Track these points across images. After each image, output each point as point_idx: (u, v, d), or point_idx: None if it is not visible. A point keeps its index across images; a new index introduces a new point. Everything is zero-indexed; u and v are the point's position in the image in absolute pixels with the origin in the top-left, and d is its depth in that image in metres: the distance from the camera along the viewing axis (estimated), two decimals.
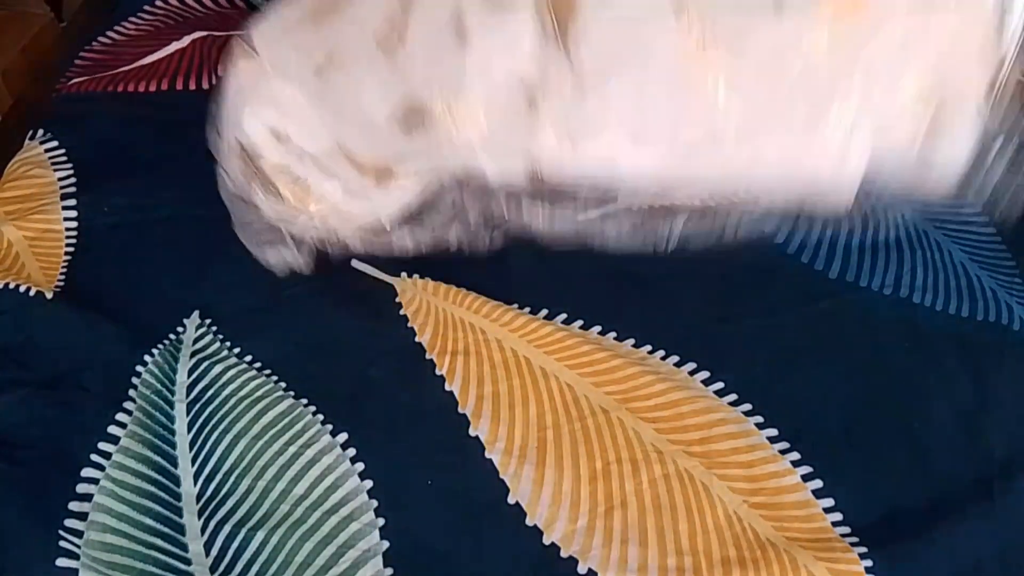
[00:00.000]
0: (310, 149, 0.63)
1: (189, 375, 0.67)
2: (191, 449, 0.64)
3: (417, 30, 0.61)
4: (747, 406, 0.66)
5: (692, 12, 0.58)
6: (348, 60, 0.61)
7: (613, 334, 0.70)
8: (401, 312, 0.70)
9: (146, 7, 0.96)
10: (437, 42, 0.60)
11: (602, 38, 0.59)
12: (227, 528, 0.60)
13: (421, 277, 0.72)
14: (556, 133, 0.61)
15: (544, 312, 0.71)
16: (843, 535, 0.60)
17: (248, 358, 0.67)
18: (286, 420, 0.64)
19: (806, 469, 0.63)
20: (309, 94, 0.62)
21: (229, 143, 0.63)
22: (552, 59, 0.59)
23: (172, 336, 0.69)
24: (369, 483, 0.62)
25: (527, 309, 0.70)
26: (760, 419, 0.66)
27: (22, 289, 0.69)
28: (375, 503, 0.61)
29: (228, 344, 0.68)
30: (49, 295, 0.69)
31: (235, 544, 0.59)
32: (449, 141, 0.61)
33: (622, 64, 0.59)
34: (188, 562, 0.59)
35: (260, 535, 0.59)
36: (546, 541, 0.60)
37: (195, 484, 0.62)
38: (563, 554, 0.60)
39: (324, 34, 0.62)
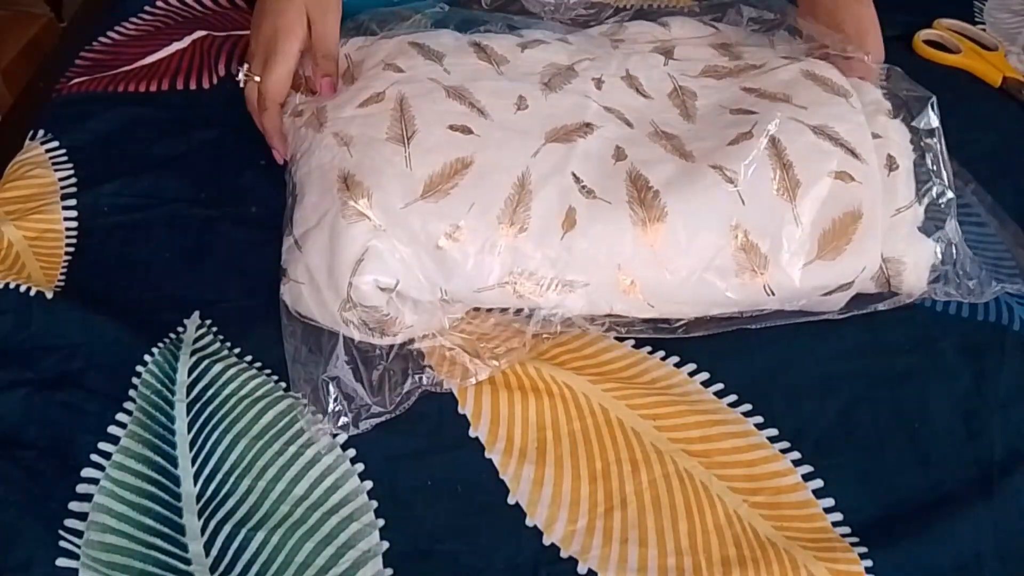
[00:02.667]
0: (416, 296, 0.66)
1: (189, 375, 0.67)
2: (191, 449, 0.64)
3: (536, 219, 0.66)
4: (747, 406, 0.66)
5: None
6: (469, 235, 0.66)
7: (613, 335, 0.70)
8: None
9: (146, 7, 0.96)
10: (549, 226, 0.66)
11: None
12: (227, 528, 0.60)
13: None
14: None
15: None
16: (843, 535, 0.60)
17: (248, 358, 0.67)
18: (286, 420, 0.64)
19: (806, 469, 0.63)
20: (428, 258, 0.66)
21: (334, 290, 0.65)
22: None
23: (172, 336, 0.69)
24: (369, 484, 0.62)
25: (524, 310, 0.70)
26: (760, 419, 0.66)
27: (22, 289, 0.69)
28: (375, 504, 0.61)
29: (228, 344, 0.68)
30: (49, 295, 0.69)
31: (235, 544, 0.59)
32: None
33: None
34: (188, 562, 0.59)
35: (260, 535, 0.59)
36: (546, 541, 0.60)
37: (195, 484, 0.62)
38: (563, 554, 0.60)
39: (445, 210, 0.65)
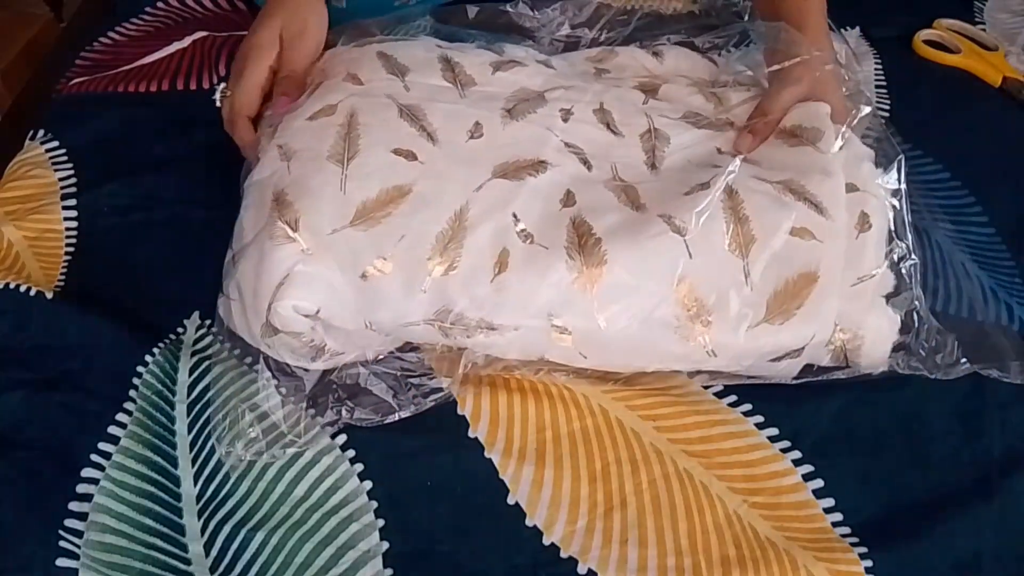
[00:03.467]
0: (339, 325, 0.64)
1: (190, 375, 0.67)
2: (191, 450, 0.64)
3: (467, 257, 0.63)
4: (747, 406, 0.66)
5: None
6: (396, 268, 0.63)
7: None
8: None
9: (147, 8, 0.96)
10: (481, 266, 0.63)
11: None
12: (227, 529, 0.60)
13: None
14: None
15: None
16: (843, 535, 0.60)
17: (248, 359, 0.67)
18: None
19: (806, 469, 0.63)
20: (352, 287, 0.63)
21: (256, 312, 0.63)
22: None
23: (172, 336, 0.69)
24: (369, 484, 0.62)
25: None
26: (760, 419, 0.66)
27: (22, 289, 0.69)
28: (375, 504, 0.61)
29: (228, 344, 0.68)
30: (49, 295, 0.69)
31: (235, 545, 0.59)
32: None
33: None
34: (188, 562, 0.59)
35: (260, 536, 0.59)
36: (546, 541, 0.60)
37: (195, 485, 0.62)
38: (563, 554, 0.60)
39: (375, 239, 0.63)
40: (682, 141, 0.73)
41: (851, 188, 0.68)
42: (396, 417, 0.64)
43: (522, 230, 0.64)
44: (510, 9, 0.84)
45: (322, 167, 0.65)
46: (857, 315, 0.66)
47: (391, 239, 0.63)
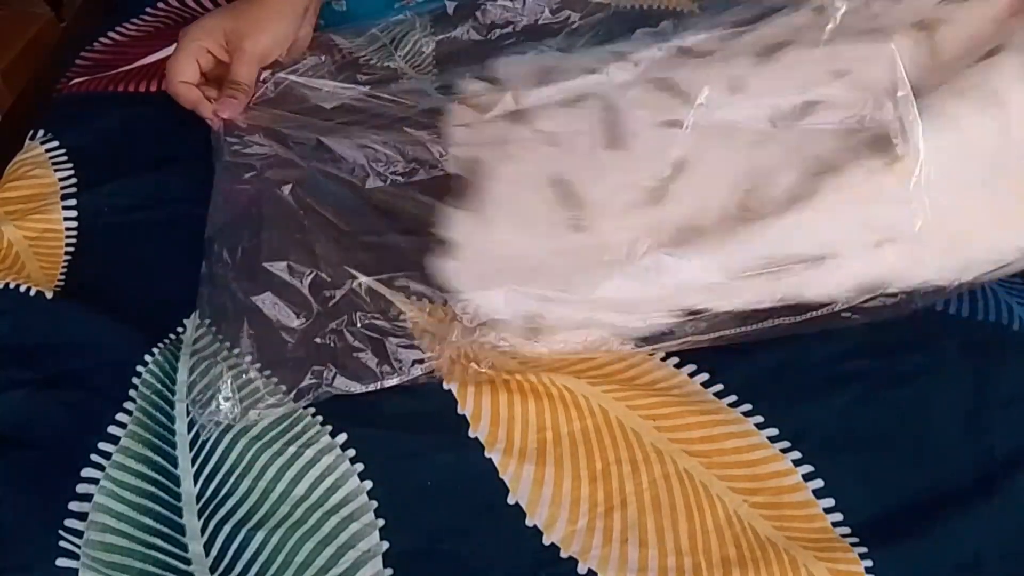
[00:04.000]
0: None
1: (189, 375, 0.67)
2: (191, 449, 0.64)
3: None
4: (747, 406, 0.66)
5: None
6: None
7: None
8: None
9: (147, 8, 0.96)
10: None
11: None
12: (227, 528, 0.60)
13: None
14: None
15: None
16: (843, 535, 0.60)
17: (248, 358, 0.67)
18: (286, 420, 0.64)
19: (807, 468, 0.63)
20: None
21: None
22: None
23: (172, 336, 0.69)
24: (369, 484, 0.62)
25: None
26: (760, 419, 0.65)
27: (22, 289, 0.69)
28: (375, 504, 0.61)
29: (228, 344, 0.68)
30: (49, 295, 0.69)
31: (235, 544, 0.59)
32: None
33: None
34: (188, 562, 0.59)
35: (260, 535, 0.59)
36: (546, 541, 0.60)
37: (195, 484, 0.62)
38: (563, 554, 0.60)
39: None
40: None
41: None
42: (379, 385, 0.64)
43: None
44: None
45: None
46: None
47: None
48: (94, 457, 0.62)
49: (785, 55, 0.71)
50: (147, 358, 0.67)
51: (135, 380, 0.66)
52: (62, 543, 0.58)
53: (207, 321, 0.67)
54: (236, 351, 0.65)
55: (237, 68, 0.77)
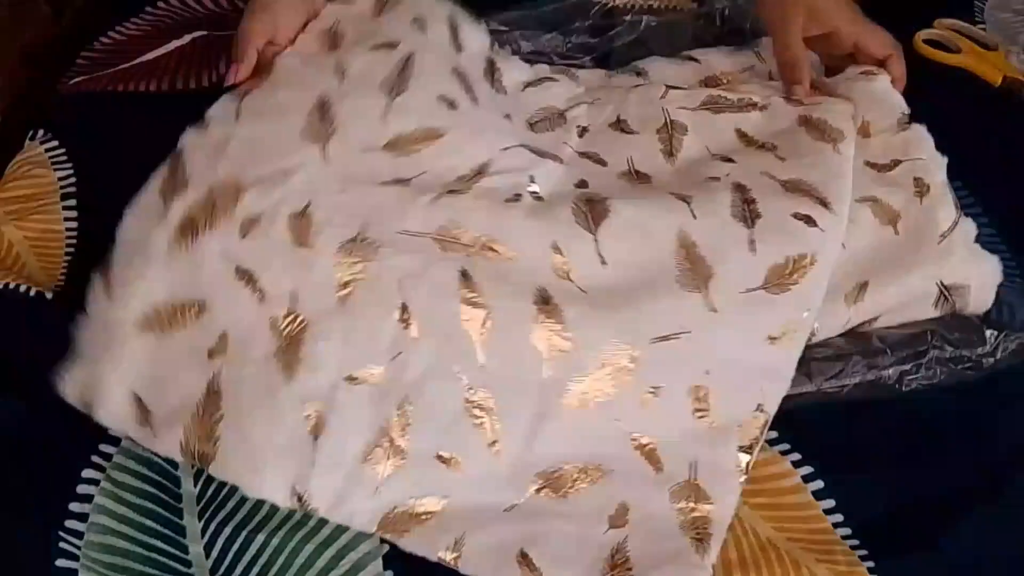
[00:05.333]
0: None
1: None
2: None
3: (481, 192, 0.68)
4: None
5: None
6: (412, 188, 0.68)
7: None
8: None
9: (147, 7, 0.96)
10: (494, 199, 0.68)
11: None
12: (227, 530, 0.60)
13: None
14: None
15: None
16: (844, 537, 0.60)
17: None
18: None
19: (807, 470, 0.63)
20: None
21: None
22: None
23: None
24: None
25: None
26: None
27: (23, 289, 0.69)
28: None
29: None
30: (50, 295, 0.69)
31: (235, 546, 0.59)
32: None
33: None
34: (188, 564, 0.59)
35: (261, 537, 0.59)
36: None
37: (195, 485, 0.62)
38: None
39: (397, 167, 0.68)
40: (700, 130, 0.75)
41: (895, 164, 0.72)
42: None
43: (534, 192, 0.69)
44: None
45: (370, 93, 0.70)
46: (957, 269, 0.69)
47: (413, 171, 0.67)
48: (94, 458, 0.62)
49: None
50: None
51: None
52: (62, 544, 0.58)
53: None
54: None
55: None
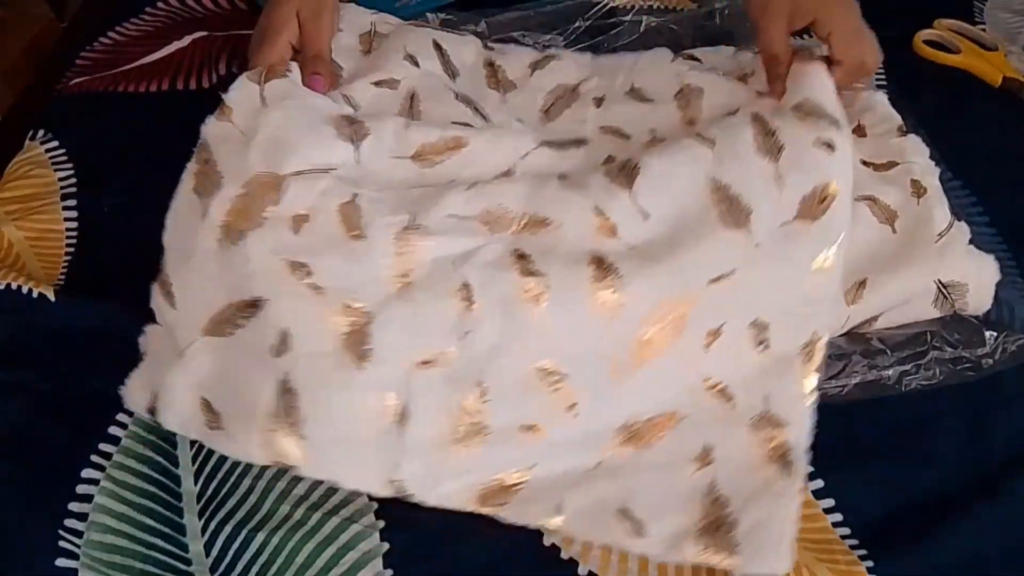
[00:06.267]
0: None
1: None
2: (192, 448, 0.64)
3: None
4: None
5: None
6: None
7: None
8: None
9: (147, 8, 0.96)
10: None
11: None
12: (228, 528, 0.60)
13: None
14: None
15: None
16: (844, 536, 0.60)
17: None
18: None
19: (809, 469, 0.63)
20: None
21: None
22: None
23: None
24: None
25: None
26: None
27: (24, 289, 0.69)
28: (375, 505, 0.61)
29: None
30: (50, 295, 0.69)
31: (236, 545, 0.59)
32: None
33: None
34: (188, 562, 0.59)
35: (261, 536, 0.59)
36: (546, 542, 0.60)
37: (196, 483, 0.62)
38: (564, 555, 0.60)
39: (425, 176, 0.70)
40: (716, 95, 0.76)
41: (891, 165, 0.72)
42: None
43: (561, 174, 0.69)
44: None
45: (388, 116, 0.71)
46: (954, 266, 0.68)
47: (441, 180, 0.68)
48: (94, 458, 0.62)
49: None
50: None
51: None
52: (62, 543, 0.59)
53: None
54: None
55: (317, 41, 0.75)
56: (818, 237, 0.64)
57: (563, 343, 0.62)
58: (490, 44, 0.83)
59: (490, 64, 0.80)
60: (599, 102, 0.77)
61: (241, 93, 0.70)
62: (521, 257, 0.63)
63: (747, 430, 0.62)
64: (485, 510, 0.60)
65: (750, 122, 0.67)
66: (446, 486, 0.60)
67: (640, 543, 0.59)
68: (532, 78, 0.80)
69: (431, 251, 0.63)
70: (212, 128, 0.69)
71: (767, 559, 0.57)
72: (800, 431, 0.61)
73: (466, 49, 0.81)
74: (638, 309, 0.62)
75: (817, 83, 0.70)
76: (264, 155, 0.66)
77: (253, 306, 0.62)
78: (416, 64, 0.77)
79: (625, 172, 0.66)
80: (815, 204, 0.65)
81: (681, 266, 0.63)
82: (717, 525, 0.59)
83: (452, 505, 0.60)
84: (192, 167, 0.68)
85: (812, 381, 0.63)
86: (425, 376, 0.60)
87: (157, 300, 0.65)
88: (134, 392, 0.63)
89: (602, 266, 0.63)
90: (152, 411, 0.62)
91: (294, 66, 0.73)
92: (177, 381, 0.62)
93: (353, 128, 0.68)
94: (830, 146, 0.66)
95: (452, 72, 0.79)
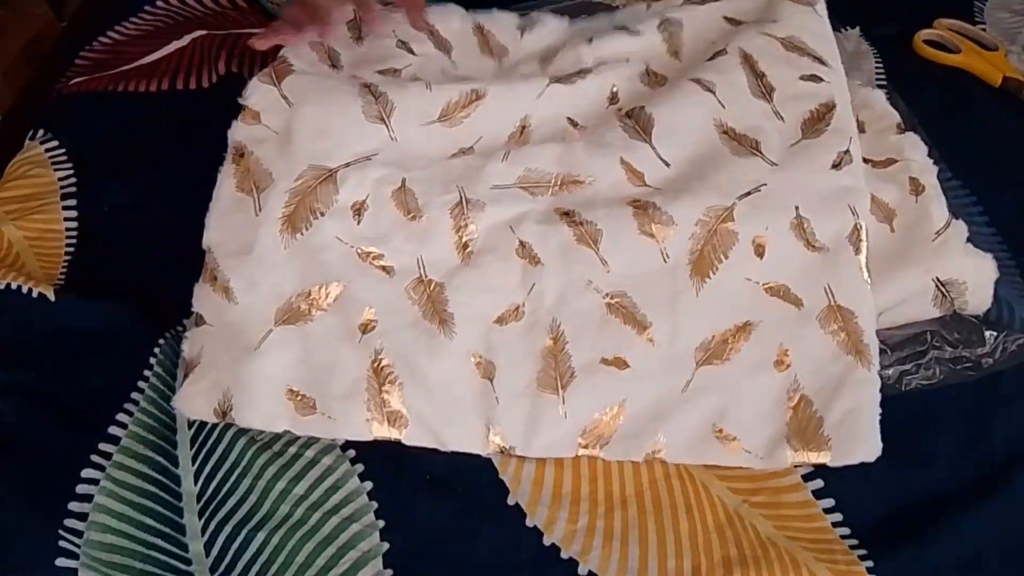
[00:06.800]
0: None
1: None
2: (192, 448, 0.64)
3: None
4: None
5: None
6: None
7: None
8: None
9: (147, 7, 0.96)
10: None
11: None
12: (228, 528, 0.60)
13: None
14: None
15: None
16: (843, 536, 0.60)
17: None
18: None
19: (807, 469, 0.63)
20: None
21: None
22: None
23: (172, 335, 0.69)
24: (369, 484, 0.62)
25: None
26: None
27: (24, 289, 0.69)
28: (375, 504, 0.61)
29: None
30: (50, 295, 0.69)
31: (235, 544, 0.59)
32: None
33: None
34: (188, 562, 0.59)
35: (261, 536, 0.59)
36: (546, 542, 0.60)
37: (196, 483, 0.62)
38: (563, 555, 0.60)
39: (454, 138, 0.74)
40: (695, 23, 0.80)
41: (890, 162, 0.74)
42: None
43: (573, 121, 0.74)
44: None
45: (408, 82, 0.74)
46: (951, 265, 0.69)
47: (471, 137, 0.73)
48: (94, 458, 0.62)
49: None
50: (148, 359, 0.67)
51: (135, 381, 0.66)
52: (62, 543, 0.59)
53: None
54: None
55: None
56: (828, 144, 0.70)
57: (625, 277, 0.67)
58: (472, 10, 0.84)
59: (479, 29, 0.82)
60: (589, 40, 0.79)
61: (261, 96, 0.73)
62: (566, 214, 0.69)
63: (817, 325, 0.65)
64: (587, 453, 0.62)
65: (741, 64, 0.74)
66: (545, 436, 0.63)
67: (739, 458, 0.63)
68: (522, 40, 0.82)
69: (485, 220, 0.69)
70: (241, 131, 0.72)
71: (859, 448, 0.62)
72: (867, 314, 0.65)
73: (451, 17, 0.82)
74: (684, 230, 0.67)
75: (805, 21, 0.77)
76: (311, 149, 0.70)
77: (330, 289, 0.66)
78: (411, 52, 0.79)
79: (639, 121, 0.72)
80: (816, 122, 0.71)
81: (712, 186, 0.68)
82: (806, 424, 0.62)
83: (555, 454, 0.63)
84: (229, 168, 0.71)
85: (862, 259, 0.67)
86: (504, 332, 0.65)
87: (211, 300, 0.66)
88: (193, 400, 0.63)
89: (640, 205, 0.68)
90: (223, 414, 0.62)
91: (296, 58, 0.75)
92: (256, 376, 0.63)
93: (379, 104, 0.72)
94: (815, 78, 0.73)
95: (446, 48, 0.80)
